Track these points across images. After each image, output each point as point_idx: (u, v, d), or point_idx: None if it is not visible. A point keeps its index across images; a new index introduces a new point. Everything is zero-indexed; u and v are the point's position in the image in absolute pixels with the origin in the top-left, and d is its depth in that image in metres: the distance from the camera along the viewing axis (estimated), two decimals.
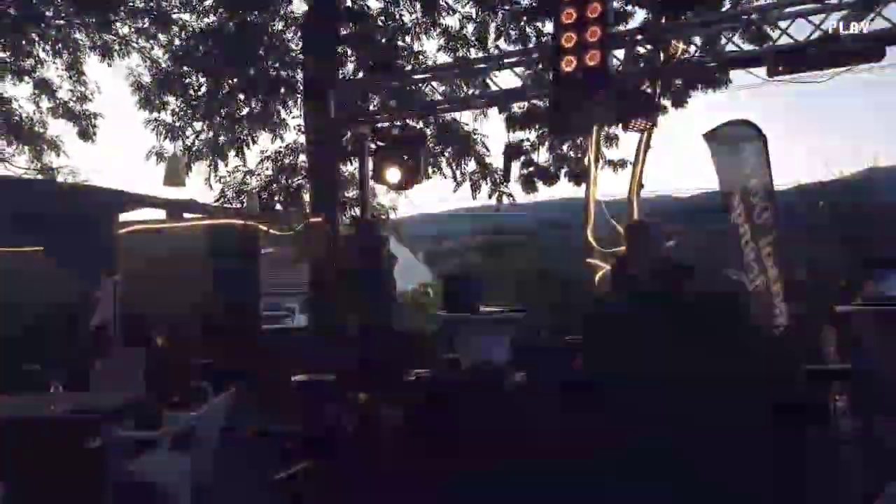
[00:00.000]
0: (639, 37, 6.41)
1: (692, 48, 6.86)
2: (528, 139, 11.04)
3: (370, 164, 7.42)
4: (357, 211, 11.50)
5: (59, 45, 12.67)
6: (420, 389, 5.60)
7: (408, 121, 7.57)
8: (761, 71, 6.02)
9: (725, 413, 4.26)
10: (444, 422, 4.97)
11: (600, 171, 10.62)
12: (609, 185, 12.44)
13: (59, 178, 12.95)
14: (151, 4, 12.02)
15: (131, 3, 12.01)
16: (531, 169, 11.16)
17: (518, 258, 24.35)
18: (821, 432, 5.50)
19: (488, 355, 5.67)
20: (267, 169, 10.28)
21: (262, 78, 9.90)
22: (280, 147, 10.37)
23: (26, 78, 12.87)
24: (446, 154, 10.21)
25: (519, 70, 7.05)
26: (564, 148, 11.20)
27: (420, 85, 7.71)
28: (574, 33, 6.10)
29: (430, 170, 10.08)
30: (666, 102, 10.91)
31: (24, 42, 12.40)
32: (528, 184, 11.28)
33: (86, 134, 13.19)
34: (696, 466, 4.00)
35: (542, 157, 11.35)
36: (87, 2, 11.46)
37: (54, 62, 12.84)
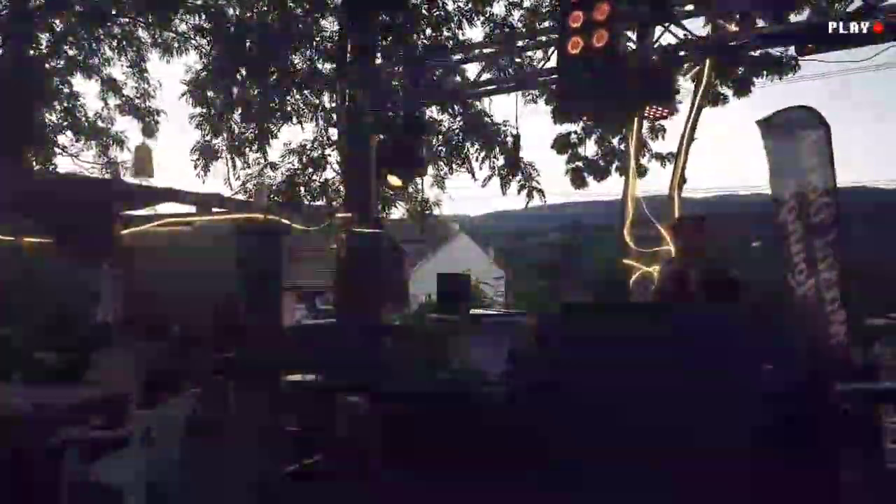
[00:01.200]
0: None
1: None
2: (574, 132, 10.44)
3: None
4: (399, 206, 11.27)
5: (124, 42, 13.08)
6: (407, 392, 5.33)
7: (426, 112, 7.21)
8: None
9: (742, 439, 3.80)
10: (422, 429, 4.71)
11: (647, 165, 9.92)
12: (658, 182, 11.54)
13: (121, 172, 13.33)
14: (210, 1, 12.16)
15: (189, 1, 12.18)
16: (578, 163, 10.55)
17: (594, 254, 23.69)
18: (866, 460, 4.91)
19: (477, 360, 5.28)
20: (291, 163, 10.12)
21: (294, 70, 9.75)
22: (305, 140, 10.21)
23: (94, 76, 13.36)
24: (473, 146, 9.71)
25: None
26: (615, 141, 10.52)
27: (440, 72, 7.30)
28: (582, 12, 5.59)
29: (454, 164, 9.69)
30: (727, 91, 10.10)
31: (90, 40, 12.87)
32: (577, 178, 10.70)
33: (149, 130, 13.59)
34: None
35: (591, 150, 10.73)
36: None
37: (119, 60, 13.28)
